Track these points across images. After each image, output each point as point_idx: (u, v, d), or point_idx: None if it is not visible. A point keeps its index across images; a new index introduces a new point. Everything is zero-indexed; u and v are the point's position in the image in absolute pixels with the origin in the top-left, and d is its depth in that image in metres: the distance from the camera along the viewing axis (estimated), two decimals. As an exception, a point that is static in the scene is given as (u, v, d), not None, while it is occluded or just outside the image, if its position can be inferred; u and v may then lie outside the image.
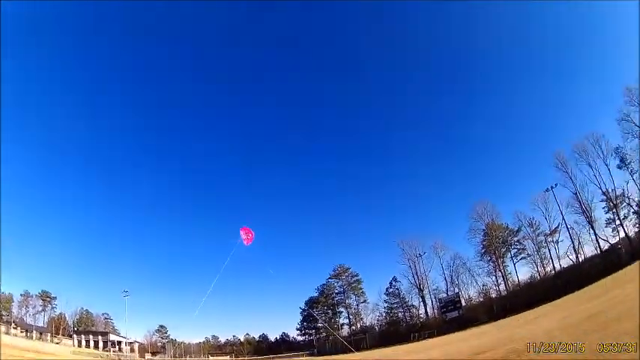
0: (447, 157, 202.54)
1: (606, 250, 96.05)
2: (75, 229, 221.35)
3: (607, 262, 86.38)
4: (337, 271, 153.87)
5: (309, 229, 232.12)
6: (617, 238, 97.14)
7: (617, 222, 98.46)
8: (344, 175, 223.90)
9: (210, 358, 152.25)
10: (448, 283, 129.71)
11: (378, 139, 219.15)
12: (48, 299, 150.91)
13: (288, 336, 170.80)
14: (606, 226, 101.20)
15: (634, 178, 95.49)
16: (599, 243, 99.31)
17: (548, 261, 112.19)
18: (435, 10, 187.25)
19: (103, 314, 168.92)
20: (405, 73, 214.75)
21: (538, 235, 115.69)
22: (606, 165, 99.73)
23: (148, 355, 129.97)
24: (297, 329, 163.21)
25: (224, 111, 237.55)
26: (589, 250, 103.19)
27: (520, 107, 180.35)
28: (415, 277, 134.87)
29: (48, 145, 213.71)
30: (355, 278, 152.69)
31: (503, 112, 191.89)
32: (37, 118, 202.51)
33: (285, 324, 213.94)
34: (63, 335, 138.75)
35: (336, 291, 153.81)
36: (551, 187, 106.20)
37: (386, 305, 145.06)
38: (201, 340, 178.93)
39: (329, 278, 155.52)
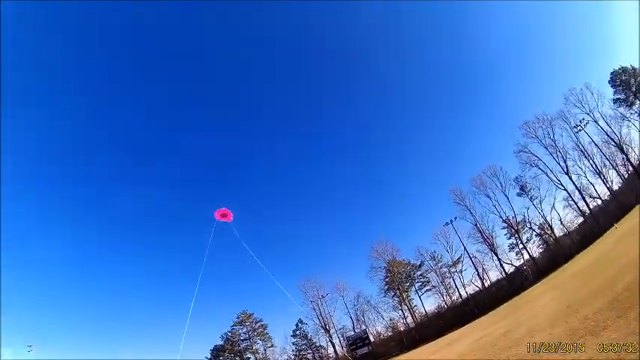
0: (346, 198, 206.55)
1: (512, 273, 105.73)
2: None
3: (514, 284, 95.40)
4: (241, 318, 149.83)
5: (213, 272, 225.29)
6: (522, 261, 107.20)
7: (520, 246, 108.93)
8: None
9: None
10: (354, 321, 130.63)
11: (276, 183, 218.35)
12: None
13: None
14: (510, 251, 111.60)
15: (534, 203, 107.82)
16: (503, 267, 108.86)
17: (454, 290, 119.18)
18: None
19: None
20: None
21: (441, 267, 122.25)
22: (505, 195, 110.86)
23: None
24: None
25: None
26: (494, 275, 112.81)
27: (416, 147, 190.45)
28: (320, 317, 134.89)
29: None
30: (260, 323, 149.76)
31: (400, 151, 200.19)
32: None
33: None
34: None
35: (242, 338, 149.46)
36: (451, 221, 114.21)
37: (294, 348, 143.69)
38: None
39: (233, 325, 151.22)
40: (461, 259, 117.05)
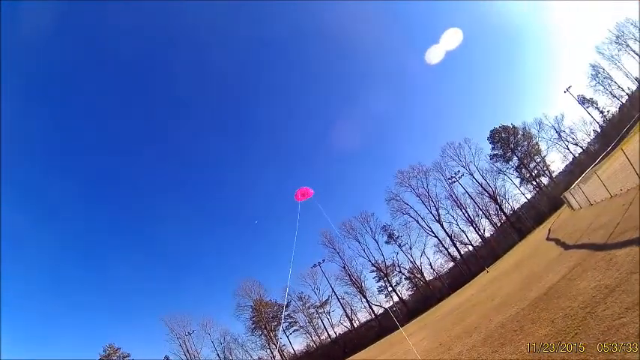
0: (211, 236, 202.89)
1: (382, 314, 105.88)
2: None
3: (384, 324, 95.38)
4: (107, 352, 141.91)
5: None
6: (391, 303, 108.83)
7: (390, 288, 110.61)
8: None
9: None
10: (222, 359, 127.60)
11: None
12: None
13: None
14: (379, 293, 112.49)
15: (403, 249, 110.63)
16: (372, 309, 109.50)
17: (323, 330, 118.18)
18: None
19: None
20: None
21: (309, 307, 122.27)
22: (375, 240, 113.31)
23: None
24: None
25: None
26: (363, 316, 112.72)
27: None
28: (187, 354, 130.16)
29: None
30: (127, 359, 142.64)
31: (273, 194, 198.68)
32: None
33: None
34: None
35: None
36: (319, 263, 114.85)
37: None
38: None
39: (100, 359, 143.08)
40: (329, 301, 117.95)
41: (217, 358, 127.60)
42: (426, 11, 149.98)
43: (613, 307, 13.76)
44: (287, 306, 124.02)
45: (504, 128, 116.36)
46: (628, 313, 12.88)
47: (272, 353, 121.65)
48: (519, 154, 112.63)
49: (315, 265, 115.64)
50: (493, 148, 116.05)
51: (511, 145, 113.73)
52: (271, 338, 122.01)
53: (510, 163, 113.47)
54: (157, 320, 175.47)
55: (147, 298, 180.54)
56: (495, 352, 17.61)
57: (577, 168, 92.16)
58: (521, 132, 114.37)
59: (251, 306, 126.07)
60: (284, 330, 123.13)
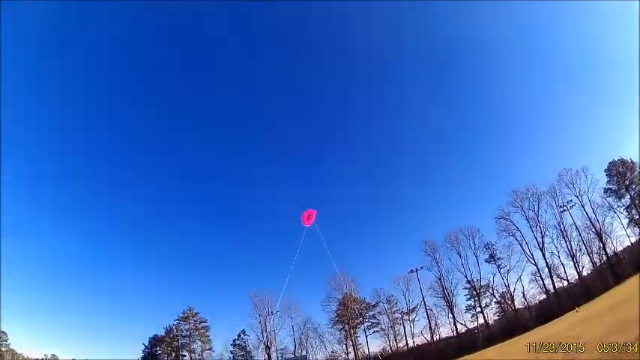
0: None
1: (463, 334, 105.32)
2: None
3: (463, 344, 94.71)
4: (186, 314, 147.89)
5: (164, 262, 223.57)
6: (476, 324, 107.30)
7: (478, 309, 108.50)
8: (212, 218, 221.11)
9: None
10: (296, 345, 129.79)
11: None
12: None
13: None
14: (466, 312, 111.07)
15: (501, 272, 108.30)
16: (456, 326, 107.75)
17: (402, 337, 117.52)
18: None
19: None
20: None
21: (395, 312, 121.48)
22: (476, 256, 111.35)
23: None
24: None
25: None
26: (445, 331, 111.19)
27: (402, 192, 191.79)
28: (264, 333, 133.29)
29: None
30: (203, 324, 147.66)
31: (387, 194, 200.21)
32: None
33: (129, 356, 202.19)
34: None
35: (183, 334, 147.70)
36: (416, 270, 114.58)
37: (231, 357, 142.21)
38: (41, 356, 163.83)
39: (177, 319, 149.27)
40: (416, 309, 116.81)
41: (293, 342, 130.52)
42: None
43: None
44: (374, 306, 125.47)
45: (623, 162, 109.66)
46: None
47: (347, 349, 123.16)
48: (633, 192, 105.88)
49: (411, 271, 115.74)
50: (608, 182, 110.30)
51: (626, 181, 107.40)
52: (350, 335, 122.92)
53: (622, 200, 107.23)
54: (241, 294, 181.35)
55: (236, 270, 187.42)
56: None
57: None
58: (639, 169, 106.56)
59: (339, 299, 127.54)
60: (365, 329, 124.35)
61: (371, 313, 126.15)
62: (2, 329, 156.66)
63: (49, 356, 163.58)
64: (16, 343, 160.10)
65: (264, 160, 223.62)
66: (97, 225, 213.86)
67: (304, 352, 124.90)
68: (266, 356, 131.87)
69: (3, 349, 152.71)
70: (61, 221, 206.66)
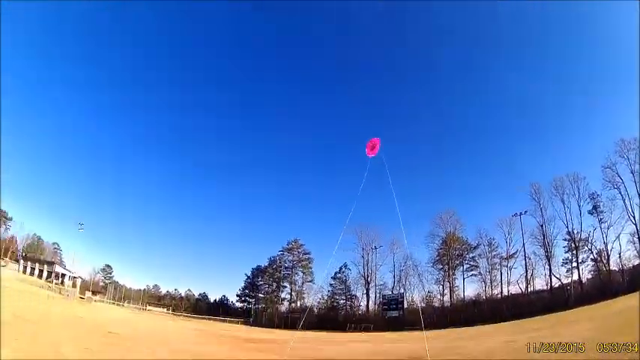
0: (426, 161, 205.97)
1: (556, 288, 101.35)
2: (38, 149, 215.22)
3: (555, 299, 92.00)
4: (290, 246, 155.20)
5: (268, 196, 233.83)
6: (570, 280, 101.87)
7: (574, 264, 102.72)
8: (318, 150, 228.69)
9: (149, 307, 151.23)
10: (395, 282, 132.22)
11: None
12: (4, 219, 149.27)
13: (227, 300, 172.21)
14: (562, 265, 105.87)
15: (601, 227, 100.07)
16: (551, 279, 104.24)
17: (498, 284, 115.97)
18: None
19: (53, 244, 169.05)
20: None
21: (494, 256, 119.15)
22: (579, 206, 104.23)
23: (88, 293, 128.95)
24: (238, 295, 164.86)
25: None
26: (539, 283, 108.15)
27: (510, 131, 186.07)
28: (365, 267, 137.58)
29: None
30: (307, 256, 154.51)
31: (494, 127, 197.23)
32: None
33: (227, 287, 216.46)
34: (10, 259, 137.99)
35: (286, 265, 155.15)
36: (520, 214, 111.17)
37: (330, 290, 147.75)
38: (143, 287, 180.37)
39: (281, 251, 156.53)
40: (515, 255, 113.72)
41: (392, 279, 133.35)
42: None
43: None
44: (475, 248, 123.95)
45: None
46: None
47: (443, 290, 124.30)
48: None
49: (515, 215, 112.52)
50: None
51: None
52: (449, 276, 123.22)
53: None
54: (344, 227, 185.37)
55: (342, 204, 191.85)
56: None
57: None
58: None
59: (442, 237, 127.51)
60: (463, 271, 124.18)
61: (471, 255, 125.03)
62: (107, 263, 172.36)
63: (151, 286, 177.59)
64: (119, 276, 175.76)
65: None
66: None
67: (402, 290, 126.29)
68: (364, 291, 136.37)
69: (107, 281, 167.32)
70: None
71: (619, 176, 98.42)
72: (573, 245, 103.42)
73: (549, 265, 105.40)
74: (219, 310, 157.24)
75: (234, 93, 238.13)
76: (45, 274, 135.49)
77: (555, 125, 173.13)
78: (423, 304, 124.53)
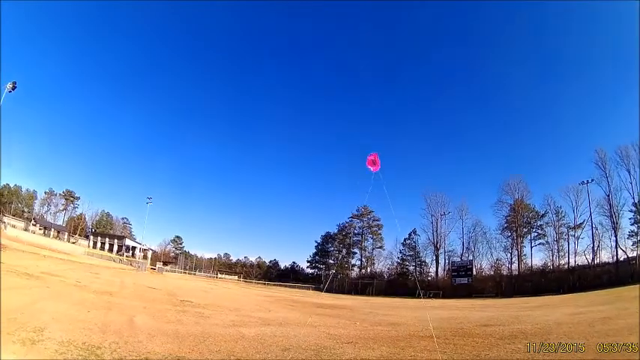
0: (493, 125, 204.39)
1: (622, 262, 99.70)
2: (103, 131, 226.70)
3: (620, 273, 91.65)
4: (360, 212, 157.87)
5: (336, 167, 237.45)
6: (636, 253, 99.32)
7: None
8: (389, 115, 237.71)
9: (219, 275, 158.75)
10: (464, 248, 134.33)
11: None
12: (71, 199, 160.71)
13: (298, 266, 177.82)
14: (628, 238, 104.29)
15: None
16: (617, 252, 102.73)
17: (565, 254, 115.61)
18: None
19: (122, 219, 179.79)
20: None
21: (561, 225, 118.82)
22: None
23: (159, 264, 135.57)
24: (308, 262, 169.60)
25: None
26: (605, 256, 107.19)
27: (572, 99, 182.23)
28: (435, 234, 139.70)
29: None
30: (376, 222, 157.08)
31: (556, 98, 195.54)
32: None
33: (298, 254, 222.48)
34: (80, 235, 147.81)
35: (355, 231, 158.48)
36: (587, 182, 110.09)
37: (400, 256, 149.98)
38: (214, 256, 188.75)
39: (351, 217, 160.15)
40: (582, 225, 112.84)
41: (461, 245, 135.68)
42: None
43: None
44: (542, 216, 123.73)
45: None
46: None
47: (511, 258, 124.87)
48: None
49: (582, 183, 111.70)
50: None
51: None
52: (517, 244, 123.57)
53: None
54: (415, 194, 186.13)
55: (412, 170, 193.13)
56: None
57: None
58: None
59: (510, 204, 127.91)
60: (531, 240, 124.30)
61: (539, 223, 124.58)
62: (177, 235, 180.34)
63: (222, 255, 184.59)
64: (190, 246, 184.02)
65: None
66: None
67: (470, 257, 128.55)
68: (434, 257, 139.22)
69: (178, 252, 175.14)
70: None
71: None
72: (639, 217, 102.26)
73: (615, 237, 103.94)
74: (290, 276, 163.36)
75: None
76: (115, 247, 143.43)
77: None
78: (492, 272, 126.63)
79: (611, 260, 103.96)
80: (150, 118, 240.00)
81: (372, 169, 33.15)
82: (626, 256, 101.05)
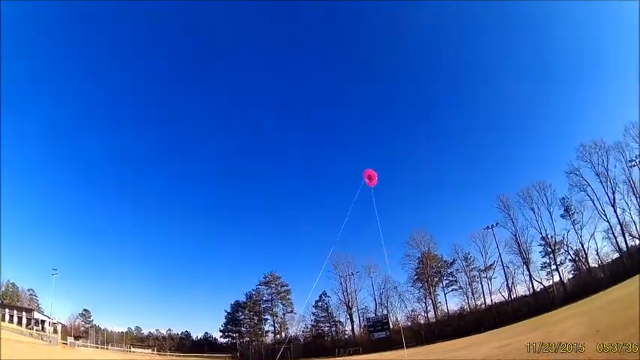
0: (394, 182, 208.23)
1: (539, 292, 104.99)
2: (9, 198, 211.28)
3: (539, 303, 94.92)
4: (267, 279, 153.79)
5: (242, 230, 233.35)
6: (551, 282, 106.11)
7: (553, 267, 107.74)
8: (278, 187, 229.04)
9: (133, 349, 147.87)
10: (377, 304, 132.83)
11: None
12: None
13: (211, 336, 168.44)
14: (541, 269, 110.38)
15: (575, 228, 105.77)
16: (532, 284, 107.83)
17: (480, 295, 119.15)
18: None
19: (28, 290, 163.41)
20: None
21: (472, 269, 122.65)
22: (549, 212, 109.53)
23: (70, 339, 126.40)
24: (221, 331, 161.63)
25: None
26: (521, 290, 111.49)
27: (473, 151, 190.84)
28: (345, 294, 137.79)
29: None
30: (285, 288, 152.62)
31: (460, 153, 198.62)
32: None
33: (208, 324, 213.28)
34: None
35: (264, 298, 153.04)
36: (492, 226, 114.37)
37: (313, 318, 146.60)
38: (124, 329, 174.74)
39: (258, 285, 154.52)
40: (493, 266, 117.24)
41: (373, 302, 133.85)
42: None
43: None
44: (451, 264, 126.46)
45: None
46: None
47: (426, 307, 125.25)
48: None
49: (487, 228, 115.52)
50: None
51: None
52: (430, 293, 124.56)
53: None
54: (319, 256, 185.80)
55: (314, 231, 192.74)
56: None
57: None
58: None
59: (418, 257, 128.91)
60: (443, 287, 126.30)
61: (449, 271, 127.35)
62: (85, 308, 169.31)
63: (133, 328, 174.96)
64: (99, 319, 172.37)
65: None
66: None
67: (385, 312, 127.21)
68: (348, 316, 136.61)
69: (87, 325, 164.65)
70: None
71: (584, 179, 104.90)
72: (549, 249, 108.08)
73: (529, 271, 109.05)
74: (204, 347, 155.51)
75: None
76: (24, 320, 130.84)
77: (515, 138, 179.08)
78: (409, 323, 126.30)
79: (528, 293, 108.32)
80: (55, 187, 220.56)
81: (368, 182, 31.45)
82: (542, 286, 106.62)
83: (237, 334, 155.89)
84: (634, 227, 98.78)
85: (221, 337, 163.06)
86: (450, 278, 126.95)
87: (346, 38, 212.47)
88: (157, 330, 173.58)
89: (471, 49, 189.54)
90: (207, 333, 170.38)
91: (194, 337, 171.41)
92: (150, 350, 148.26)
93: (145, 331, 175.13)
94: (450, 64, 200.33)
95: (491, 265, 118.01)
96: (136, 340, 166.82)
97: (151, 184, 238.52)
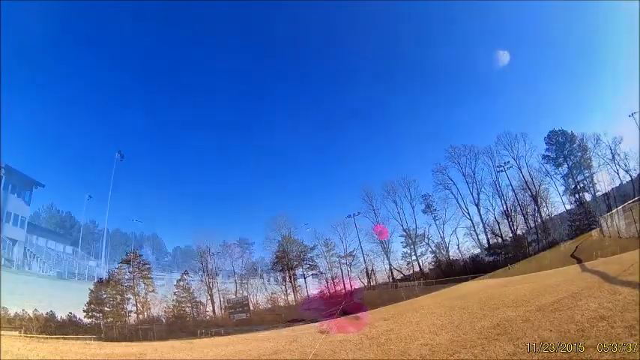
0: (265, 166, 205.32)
1: (399, 280, 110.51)
2: None
3: (399, 291, 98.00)
4: (128, 257, 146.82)
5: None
6: (411, 272, 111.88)
7: (413, 257, 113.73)
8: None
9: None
10: (238, 285, 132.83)
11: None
12: None
13: (75, 316, 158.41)
14: (402, 259, 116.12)
15: (436, 224, 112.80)
16: (392, 272, 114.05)
17: (340, 280, 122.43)
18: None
19: None
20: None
21: (332, 255, 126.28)
22: (412, 206, 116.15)
23: None
24: (84, 311, 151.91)
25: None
26: (381, 277, 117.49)
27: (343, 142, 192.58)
28: (205, 274, 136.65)
29: None
30: (146, 266, 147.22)
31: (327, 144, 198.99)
32: None
33: (73, 303, 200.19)
34: None
35: (126, 277, 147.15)
36: (354, 215, 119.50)
37: (175, 298, 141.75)
38: None
39: (120, 262, 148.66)
40: (353, 253, 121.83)
41: (234, 283, 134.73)
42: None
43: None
44: (312, 249, 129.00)
45: (563, 133, 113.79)
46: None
47: (286, 290, 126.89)
48: (570, 162, 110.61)
49: (349, 216, 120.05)
50: (547, 150, 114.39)
51: (565, 151, 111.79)
52: (290, 277, 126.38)
53: (560, 169, 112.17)
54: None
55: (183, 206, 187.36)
56: (496, 339, 19.47)
57: (620, 196, 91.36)
58: (578, 142, 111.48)
59: (278, 241, 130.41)
60: (304, 271, 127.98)
61: (309, 256, 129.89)
62: None
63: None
64: None
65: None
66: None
67: (245, 294, 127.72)
68: (208, 297, 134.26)
69: None
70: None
71: (450, 178, 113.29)
72: (410, 241, 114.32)
73: (389, 260, 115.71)
74: (68, 328, 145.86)
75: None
76: None
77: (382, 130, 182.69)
78: (269, 305, 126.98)
79: (387, 280, 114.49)
80: None
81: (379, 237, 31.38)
82: (402, 275, 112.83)
83: (100, 314, 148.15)
84: (497, 226, 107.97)
85: (85, 317, 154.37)
86: (310, 263, 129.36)
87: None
88: (23, 310, 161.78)
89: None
90: (71, 313, 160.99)
91: (58, 318, 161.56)
92: (17, 332, 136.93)
93: (12, 312, 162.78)
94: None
95: (351, 252, 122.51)
96: (3, 321, 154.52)
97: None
